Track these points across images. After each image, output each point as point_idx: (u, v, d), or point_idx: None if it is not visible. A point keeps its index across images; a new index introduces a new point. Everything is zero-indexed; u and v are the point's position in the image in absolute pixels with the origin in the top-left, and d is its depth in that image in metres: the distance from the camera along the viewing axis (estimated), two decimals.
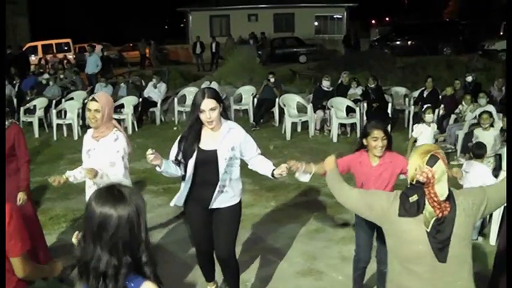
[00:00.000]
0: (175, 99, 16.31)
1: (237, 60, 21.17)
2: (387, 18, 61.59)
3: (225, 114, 4.81)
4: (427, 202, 3.16)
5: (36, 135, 14.79)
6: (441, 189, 3.15)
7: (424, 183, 3.16)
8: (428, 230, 3.14)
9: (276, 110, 15.17)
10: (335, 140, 13.07)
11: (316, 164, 4.70)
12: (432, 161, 3.16)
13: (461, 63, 24.22)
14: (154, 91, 16.27)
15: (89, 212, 2.30)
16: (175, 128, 15.16)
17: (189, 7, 42.76)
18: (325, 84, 14.47)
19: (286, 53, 32.39)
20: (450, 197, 3.19)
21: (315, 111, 13.81)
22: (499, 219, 6.60)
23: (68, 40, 36.14)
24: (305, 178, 4.69)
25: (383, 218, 3.37)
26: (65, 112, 15.16)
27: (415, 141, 8.61)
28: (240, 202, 4.96)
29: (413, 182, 3.23)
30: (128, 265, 2.28)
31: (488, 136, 8.80)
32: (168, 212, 8.09)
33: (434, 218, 3.13)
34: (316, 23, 43.25)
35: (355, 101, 13.82)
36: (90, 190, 4.94)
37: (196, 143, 4.67)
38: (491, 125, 8.76)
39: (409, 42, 33.86)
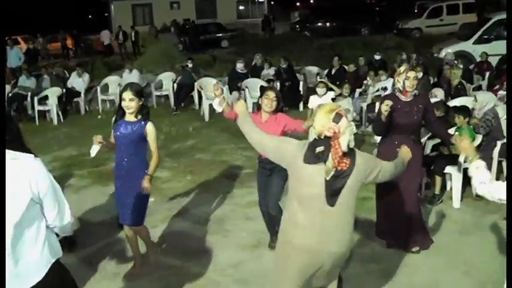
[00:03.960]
0: (99, 89, 16.75)
1: (158, 48, 21.72)
2: (311, 1, 62.44)
3: None
4: (330, 155, 3.60)
5: None
6: (344, 142, 3.60)
7: (331, 138, 3.60)
8: (327, 179, 3.61)
9: (195, 94, 15.83)
10: None
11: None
12: (337, 118, 3.62)
13: (375, 43, 25.50)
14: (78, 81, 16.54)
15: None
16: (99, 117, 15.65)
17: None
18: (239, 66, 15.31)
19: (209, 39, 32.80)
20: (352, 157, 3.69)
21: (230, 93, 14.60)
22: (461, 184, 7.58)
23: None
24: (218, 108, 5.64)
25: (289, 161, 3.80)
26: None
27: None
28: None
29: (321, 137, 3.66)
30: None
31: (345, 104, 10.03)
32: (92, 192, 8.80)
33: (334, 170, 3.60)
34: (238, 8, 43.89)
35: (269, 81, 14.67)
36: None
37: None
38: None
39: (328, 24, 34.93)
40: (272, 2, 53.62)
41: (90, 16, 62.04)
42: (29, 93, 15.65)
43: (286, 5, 52.03)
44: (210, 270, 5.96)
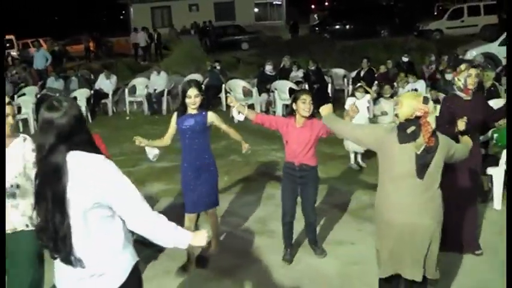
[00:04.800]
0: (126, 90, 16.88)
1: (182, 50, 21.83)
2: (326, 3, 62.44)
3: None
4: (421, 133, 4.17)
5: None
6: (432, 120, 4.20)
7: (421, 117, 4.16)
8: (419, 153, 4.18)
9: (222, 96, 15.91)
10: None
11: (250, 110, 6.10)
12: (425, 100, 4.22)
13: (397, 44, 25.46)
14: (106, 83, 16.70)
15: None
16: (127, 118, 15.79)
17: None
18: (268, 68, 15.39)
19: (229, 41, 32.98)
20: (436, 136, 4.22)
21: (259, 95, 14.68)
22: (502, 186, 7.59)
23: (11, 36, 34.96)
24: (240, 117, 5.92)
25: (382, 144, 4.37)
26: (19, 108, 15.39)
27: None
28: None
29: (412, 117, 4.19)
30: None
31: (390, 105, 10.07)
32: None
33: (424, 145, 4.16)
34: (256, 10, 44.00)
35: (297, 83, 14.72)
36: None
37: None
38: (391, 96, 10.57)
39: (347, 26, 34.96)
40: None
41: (104, 19, 62.27)
42: (57, 95, 15.76)
43: (303, 7, 52.13)
44: (261, 270, 6.02)
